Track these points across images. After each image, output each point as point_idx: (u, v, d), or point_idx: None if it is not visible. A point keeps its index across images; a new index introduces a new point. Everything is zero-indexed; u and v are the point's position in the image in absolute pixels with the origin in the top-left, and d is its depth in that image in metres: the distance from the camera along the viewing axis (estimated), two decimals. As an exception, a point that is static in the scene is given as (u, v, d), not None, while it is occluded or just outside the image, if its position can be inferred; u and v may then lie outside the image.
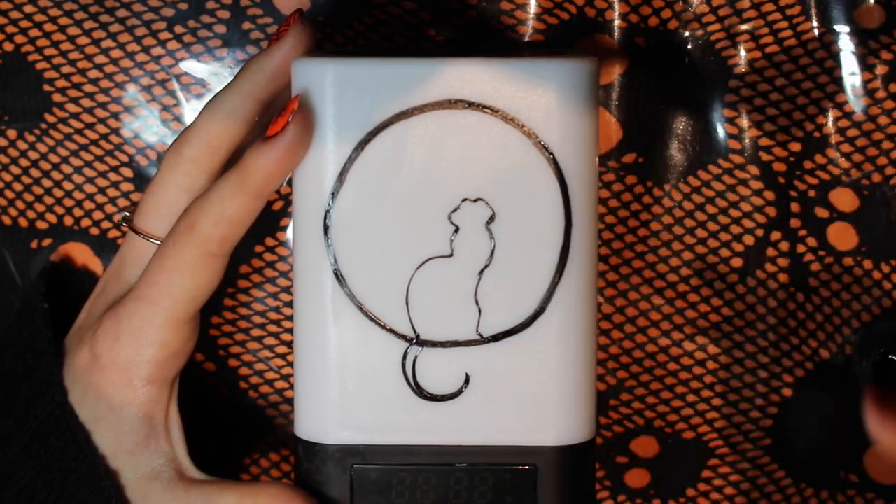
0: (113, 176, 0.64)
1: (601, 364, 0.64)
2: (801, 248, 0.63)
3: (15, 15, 0.63)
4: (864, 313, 0.64)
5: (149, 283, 0.55)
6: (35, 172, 0.64)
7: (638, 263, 0.64)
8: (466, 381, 0.54)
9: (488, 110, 0.53)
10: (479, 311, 0.54)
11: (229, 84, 0.56)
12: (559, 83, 0.53)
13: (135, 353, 0.55)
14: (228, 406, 0.65)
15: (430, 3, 0.62)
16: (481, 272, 0.54)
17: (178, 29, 0.63)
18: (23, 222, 0.64)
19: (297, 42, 0.56)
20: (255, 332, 0.64)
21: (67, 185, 0.64)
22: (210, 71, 0.63)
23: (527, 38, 0.62)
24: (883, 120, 0.62)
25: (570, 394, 0.54)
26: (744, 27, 0.62)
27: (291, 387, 0.65)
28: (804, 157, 0.63)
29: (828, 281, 0.64)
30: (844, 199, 0.63)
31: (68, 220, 0.64)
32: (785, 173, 0.63)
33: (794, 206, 0.63)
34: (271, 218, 0.64)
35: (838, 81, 0.62)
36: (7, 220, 0.64)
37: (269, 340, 0.64)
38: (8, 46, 0.63)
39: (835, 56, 0.62)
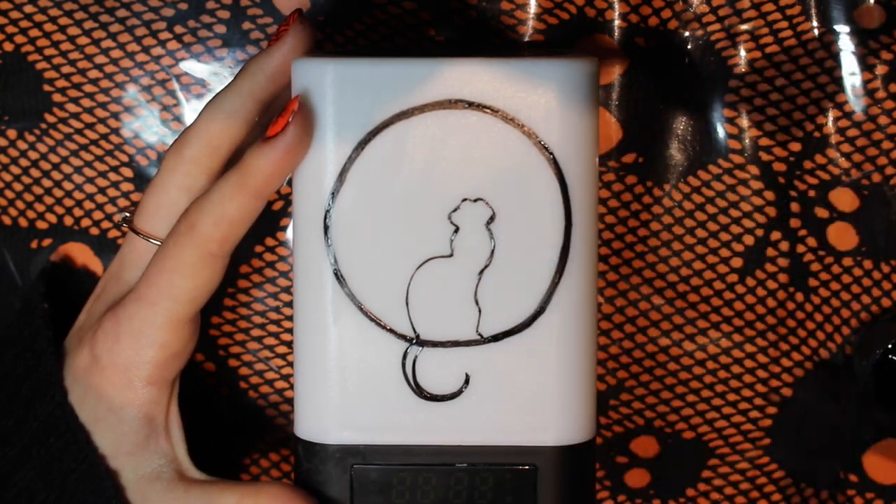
0: (113, 176, 0.64)
1: (601, 364, 0.64)
2: (801, 248, 0.63)
3: (15, 15, 0.63)
4: (863, 313, 0.64)
5: (149, 283, 0.55)
6: (35, 172, 0.64)
7: (638, 263, 0.64)
8: (466, 381, 0.54)
9: (488, 110, 0.53)
10: (479, 311, 0.54)
11: (229, 84, 0.56)
12: (559, 83, 0.53)
13: (135, 354, 0.55)
14: (228, 406, 0.65)
15: (430, 3, 0.62)
16: (481, 272, 0.54)
17: (178, 29, 0.63)
18: (23, 222, 0.64)
19: (296, 42, 0.56)
20: (255, 332, 0.64)
21: (67, 185, 0.64)
22: (210, 71, 0.63)
23: (527, 38, 0.62)
24: (883, 120, 0.62)
25: (570, 394, 0.54)
26: (744, 27, 0.62)
27: (291, 387, 0.65)
28: (804, 157, 0.63)
29: (828, 281, 0.64)
30: (844, 199, 0.63)
31: (68, 220, 0.64)
32: (785, 173, 0.63)
33: (794, 206, 0.63)
34: (271, 218, 0.64)
35: (838, 81, 0.62)
36: (7, 220, 0.64)
37: (269, 340, 0.64)
38: (8, 46, 0.63)
39: (835, 56, 0.62)
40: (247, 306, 0.64)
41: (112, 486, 0.55)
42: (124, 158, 0.64)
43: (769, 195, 0.63)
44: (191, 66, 0.63)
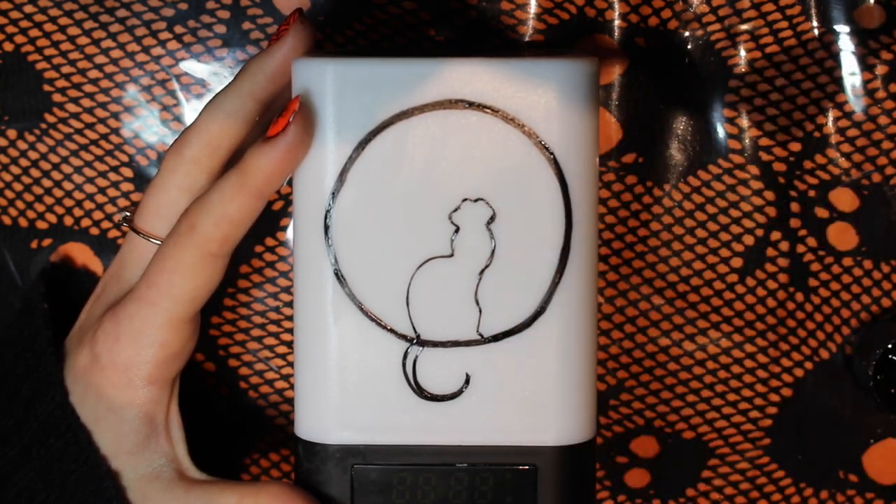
0: (113, 176, 0.64)
1: (601, 364, 0.64)
2: (801, 248, 0.63)
3: (15, 15, 0.63)
4: (864, 313, 0.64)
5: (149, 283, 0.55)
6: (35, 172, 0.64)
7: (638, 263, 0.64)
8: (467, 381, 0.54)
9: (488, 110, 0.53)
10: (480, 311, 0.54)
11: (229, 84, 0.56)
12: (559, 83, 0.53)
13: (135, 354, 0.55)
14: (228, 406, 0.65)
15: (430, 3, 0.62)
16: (481, 272, 0.54)
17: (178, 29, 0.63)
18: (23, 222, 0.64)
19: (297, 42, 0.56)
20: (255, 332, 0.64)
21: (67, 185, 0.64)
22: (210, 71, 0.63)
23: (527, 38, 0.62)
24: (883, 120, 0.62)
25: (570, 394, 0.54)
26: (744, 27, 0.62)
27: (291, 387, 0.65)
28: (804, 157, 0.63)
29: (828, 281, 0.64)
30: (844, 199, 0.63)
31: (68, 220, 0.64)
32: (785, 173, 0.63)
33: (794, 206, 0.63)
34: (271, 218, 0.64)
35: (838, 81, 0.62)
36: (7, 220, 0.64)
37: (269, 340, 0.64)
38: (8, 46, 0.63)
39: (835, 56, 0.62)
40: (247, 306, 0.64)
41: (113, 486, 0.55)
42: (124, 158, 0.64)
43: (769, 195, 0.63)
44: (191, 66, 0.63)
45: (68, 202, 0.64)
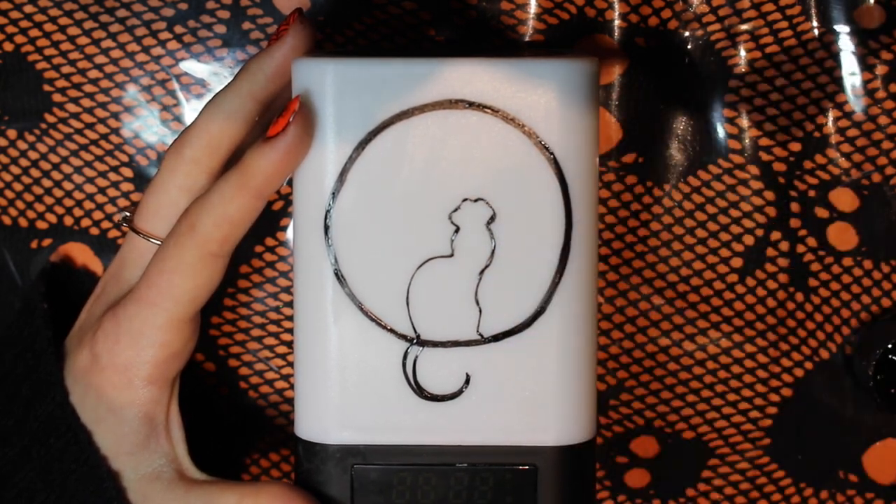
0: (113, 176, 0.64)
1: (601, 364, 0.64)
2: (801, 248, 0.63)
3: (15, 15, 0.63)
4: (864, 313, 0.64)
5: (149, 284, 0.55)
6: (35, 172, 0.64)
7: (638, 263, 0.64)
8: (467, 381, 0.54)
9: (488, 110, 0.53)
10: (480, 311, 0.54)
11: (229, 84, 0.56)
12: (559, 83, 0.53)
13: (135, 354, 0.55)
14: (228, 406, 0.65)
15: (430, 3, 0.62)
16: (482, 272, 0.54)
17: (178, 29, 0.63)
18: (23, 222, 0.64)
19: (296, 42, 0.56)
20: (255, 332, 0.64)
21: (67, 185, 0.64)
22: (210, 71, 0.63)
23: (527, 38, 0.62)
24: (883, 120, 0.62)
25: (570, 394, 0.54)
26: (744, 27, 0.62)
27: (291, 387, 0.65)
28: (804, 157, 0.63)
29: (828, 281, 0.64)
30: (844, 199, 0.63)
31: (68, 220, 0.64)
32: (785, 173, 0.63)
33: (794, 206, 0.63)
34: (271, 218, 0.64)
35: (838, 81, 0.62)
36: (7, 220, 0.64)
37: (269, 340, 0.64)
38: (8, 46, 0.63)
39: (835, 56, 0.62)
40: (247, 306, 0.64)
41: (113, 486, 0.55)
42: (124, 158, 0.64)
43: (769, 195, 0.63)
44: (191, 66, 0.63)
45: (68, 202, 0.64)
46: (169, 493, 0.56)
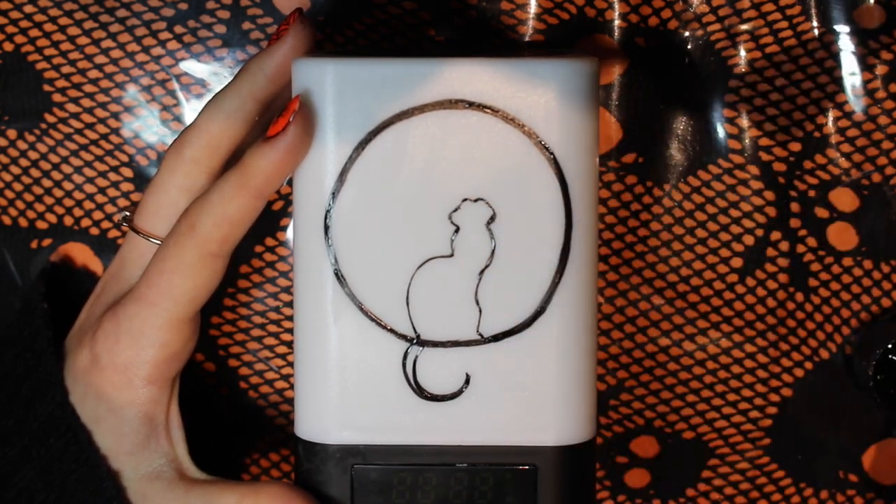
0: (113, 176, 0.64)
1: (601, 364, 0.64)
2: (801, 248, 0.63)
3: (15, 15, 0.63)
4: (864, 313, 0.64)
5: (149, 283, 0.55)
6: (35, 172, 0.64)
7: (638, 263, 0.64)
8: (467, 381, 0.54)
9: (488, 110, 0.53)
10: (480, 311, 0.54)
11: (229, 84, 0.56)
12: (559, 83, 0.53)
13: (135, 354, 0.55)
14: (228, 406, 0.65)
15: (430, 3, 0.62)
16: (482, 272, 0.54)
17: (178, 29, 0.63)
18: (23, 222, 0.64)
19: (296, 42, 0.56)
20: (255, 332, 0.64)
21: (67, 185, 0.64)
22: (210, 71, 0.63)
23: (527, 38, 0.62)
24: (883, 120, 0.62)
25: (570, 394, 0.54)
26: (744, 27, 0.62)
27: (291, 387, 0.65)
28: (804, 157, 0.63)
29: (828, 281, 0.64)
30: (844, 199, 0.63)
31: (68, 220, 0.64)
32: (785, 173, 0.63)
33: (794, 206, 0.63)
34: (271, 218, 0.64)
35: (838, 81, 0.62)
36: (7, 220, 0.64)
37: (269, 340, 0.64)
38: (8, 46, 0.63)
39: (835, 56, 0.62)
40: (247, 306, 0.64)
41: (113, 486, 0.55)
42: (124, 158, 0.64)
43: (769, 195, 0.63)
44: (191, 66, 0.63)
45: (68, 202, 0.64)
46: (169, 492, 0.56)
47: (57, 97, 0.63)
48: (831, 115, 0.62)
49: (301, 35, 0.56)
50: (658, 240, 0.64)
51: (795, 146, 0.63)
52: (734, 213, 0.63)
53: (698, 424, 0.65)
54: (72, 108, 0.63)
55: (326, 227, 0.54)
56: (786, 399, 0.65)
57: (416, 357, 0.54)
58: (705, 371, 0.64)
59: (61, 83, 0.63)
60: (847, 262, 0.64)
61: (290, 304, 0.64)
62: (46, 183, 0.64)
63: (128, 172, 0.64)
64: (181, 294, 0.54)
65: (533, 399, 0.54)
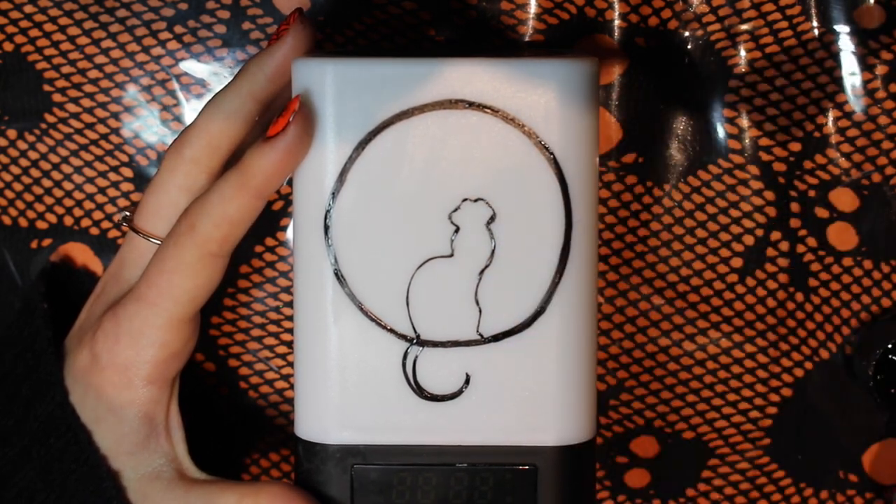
0: (113, 176, 0.64)
1: (601, 364, 0.64)
2: (801, 248, 0.63)
3: (15, 15, 0.63)
4: (864, 313, 0.64)
5: (149, 283, 0.55)
6: (35, 172, 0.64)
7: (638, 263, 0.64)
8: (467, 381, 0.54)
9: (488, 110, 0.53)
10: (480, 311, 0.54)
11: (229, 84, 0.56)
12: (559, 83, 0.53)
13: (135, 354, 0.55)
14: (228, 406, 0.65)
15: (430, 3, 0.62)
16: (481, 272, 0.54)
17: (178, 29, 0.63)
18: (23, 222, 0.64)
19: (296, 42, 0.56)
20: (255, 332, 0.64)
21: (67, 185, 0.64)
22: (210, 71, 0.63)
23: (527, 38, 0.62)
24: (883, 120, 0.62)
25: (570, 394, 0.54)
26: (744, 27, 0.62)
27: (291, 387, 0.65)
28: (804, 157, 0.63)
29: (828, 281, 0.64)
30: (844, 199, 0.63)
31: (68, 220, 0.64)
32: (785, 173, 0.63)
33: (794, 206, 0.63)
34: (271, 218, 0.64)
35: (838, 81, 0.62)
36: (7, 220, 0.64)
37: (269, 340, 0.64)
38: (8, 46, 0.63)
39: (835, 56, 0.62)
40: (247, 306, 0.64)
41: (113, 486, 0.55)
42: (124, 158, 0.64)
43: (769, 195, 0.63)
44: (191, 66, 0.63)
45: (68, 202, 0.64)
46: (169, 492, 0.56)
47: (57, 97, 0.63)
48: (831, 115, 0.62)
49: (301, 35, 0.56)
50: (658, 240, 0.64)
51: (795, 146, 0.63)
52: (734, 213, 0.63)
53: (698, 424, 0.65)
54: (72, 108, 0.63)
55: (326, 227, 0.54)
56: (786, 399, 0.65)
57: (416, 357, 0.54)
58: (705, 371, 0.64)
59: (61, 83, 0.63)
60: (847, 262, 0.64)
61: (290, 304, 0.64)
62: (46, 183, 0.64)
63: (128, 172, 0.64)
64: (181, 294, 0.54)
65: (533, 399, 0.54)
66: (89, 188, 0.64)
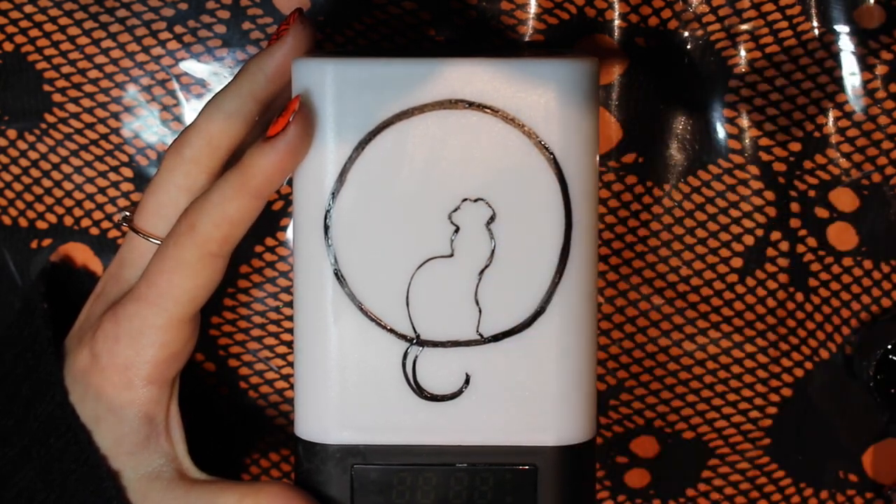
0: (113, 176, 0.64)
1: (601, 364, 0.64)
2: (801, 248, 0.63)
3: (15, 15, 0.63)
4: (864, 313, 0.64)
5: (149, 283, 0.55)
6: (35, 172, 0.64)
7: (638, 263, 0.64)
8: (466, 381, 0.54)
9: (488, 110, 0.53)
10: (480, 311, 0.54)
11: (229, 84, 0.56)
12: (559, 83, 0.53)
13: (134, 354, 0.55)
14: (228, 406, 0.65)
15: (430, 3, 0.62)
16: (481, 272, 0.54)
17: (178, 29, 0.63)
18: (23, 222, 0.64)
19: (296, 42, 0.56)
20: (255, 332, 0.64)
21: (67, 185, 0.64)
22: (210, 71, 0.63)
23: (527, 38, 0.62)
24: (883, 120, 0.62)
25: (570, 394, 0.54)
26: (744, 27, 0.62)
27: (291, 387, 0.65)
28: (804, 157, 0.63)
29: (828, 281, 0.64)
30: (844, 199, 0.63)
31: (68, 220, 0.64)
32: (785, 173, 0.63)
33: (794, 206, 0.63)
34: (271, 218, 0.64)
35: (838, 81, 0.62)
36: (7, 220, 0.64)
37: (269, 340, 0.64)
38: (8, 46, 0.63)
39: (835, 56, 0.62)
40: (247, 306, 0.64)
41: (113, 486, 0.55)
42: (124, 158, 0.64)
43: (769, 195, 0.63)
44: (191, 66, 0.63)
45: (68, 202, 0.64)
46: (169, 492, 0.56)
47: (57, 97, 0.63)
48: (831, 115, 0.62)
49: (301, 35, 0.56)
50: (658, 240, 0.64)
51: (795, 146, 0.63)
52: (734, 213, 0.63)
53: (698, 424, 0.65)
54: (72, 108, 0.63)
55: (326, 227, 0.54)
56: (786, 399, 0.65)
57: (416, 357, 0.54)
58: (705, 371, 0.64)
59: (61, 83, 0.63)
60: (847, 262, 0.64)
61: (290, 304, 0.64)
62: (46, 183, 0.64)
63: (128, 172, 0.64)
64: (181, 294, 0.54)
65: (533, 399, 0.54)
66: (89, 188, 0.64)
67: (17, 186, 0.64)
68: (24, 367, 0.58)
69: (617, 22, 0.62)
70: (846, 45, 0.62)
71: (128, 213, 0.59)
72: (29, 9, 0.63)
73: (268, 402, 0.65)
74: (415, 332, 0.54)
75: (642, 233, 0.63)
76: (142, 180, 0.64)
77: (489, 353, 0.54)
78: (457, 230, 0.54)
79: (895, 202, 0.63)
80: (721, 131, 0.63)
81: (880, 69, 0.62)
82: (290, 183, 0.62)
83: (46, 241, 0.64)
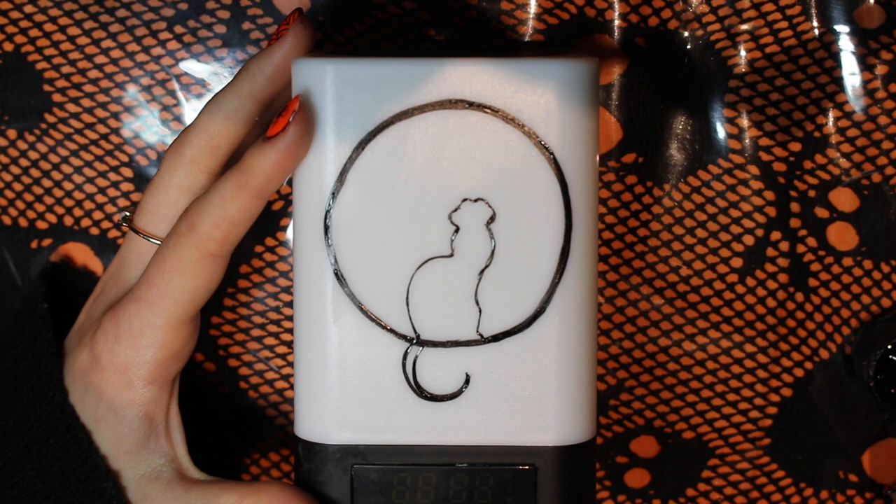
0: (113, 176, 0.64)
1: (601, 364, 0.64)
2: (801, 248, 0.63)
3: (15, 15, 0.63)
4: (863, 313, 0.64)
5: (149, 283, 0.55)
6: (35, 172, 0.64)
7: (638, 263, 0.64)
8: (466, 381, 0.54)
9: (488, 110, 0.53)
10: (480, 311, 0.54)
11: (229, 84, 0.56)
12: (559, 83, 0.53)
13: (134, 354, 0.55)
14: (228, 406, 0.65)
15: (430, 3, 0.62)
16: (481, 272, 0.54)
17: (178, 29, 0.63)
18: (23, 222, 0.64)
19: (296, 42, 0.56)
20: (255, 332, 0.64)
21: (67, 185, 0.64)
22: (210, 71, 0.63)
23: (527, 38, 0.62)
24: (883, 120, 0.62)
25: (570, 394, 0.54)
26: (744, 27, 0.62)
27: (291, 387, 0.65)
28: (804, 157, 0.63)
29: (828, 281, 0.64)
30: (844, 199, 0.63)
31: (68, 220, 0.64)
32: (785, 173, 0.63)
33: (794, 206, 0.63)
34: (271, 218, 0.64)
35: (838, 81, 0.62)
36: (7, 220, 0.64)
37: (269, 340, 0.64)
38: (8, 46, 0.63)
39: (835, 56, 0.62)
40: (247, 306, 0.64)
41: (113, 486, 0.55)
42: (124, 158, 0.64)
43: (769, 195, 0.63)
44: (191, 66, 0.63)
45: (68, 202, 0.64)
46: (168, 492, 0.56)
47: (57, 97, 0.63)
48: (831, 115, 0.62)
49: (301, 35, 0.56)
50: (658, 240, 0.64)
51: (795, 146, 0.63)
52: (734, 213, 0.63)
53: (698, 424, 0.65)
54: (72, 108, 0.63)
55: (326, 227, 0.54)
56: (786, 399, 0.65)
57: (416, 357, 0.54)
58: (705, 371, 0.64)
59: (61, 83, 0.63)
60: (847, 262, 0.64)
61: (290, 304, 0.64)
62: (46, 183, 0.64)
63: (128, 172, 0.64)
64: (181, 294, 0.54)
65: (533, 399, 0.54)
66: (89, 188, 0.64)
67: (17, 186, 0.64)
68: (24, 367, 0.58)
69: (617, 22, 0.62)
70: (846, 45, 0.62)
71: (128, 213, 0.59)
72: (29, 9, 0.63)
73: (268, 402, 0.65)
74: (415, 332, 0.54)
75: (642, 233, 0.63)
76: (142, 180, 0.64)
77: (489, 353, 0.54)
78: (457, 230, 0.54)
79: (895, 202, 0.63)
80: (721, 131, 0.63)
81: (880, 69, 0.62)
82: (290, 183, 0.62)
83: (46, 241, 0.64)
